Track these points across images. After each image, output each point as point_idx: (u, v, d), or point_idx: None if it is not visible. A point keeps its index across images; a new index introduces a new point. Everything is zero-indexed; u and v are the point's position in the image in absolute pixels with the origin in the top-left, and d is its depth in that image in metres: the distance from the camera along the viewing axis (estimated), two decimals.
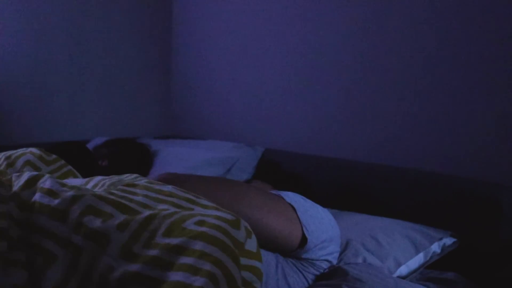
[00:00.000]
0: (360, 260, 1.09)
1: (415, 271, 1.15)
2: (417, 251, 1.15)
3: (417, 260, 1.16)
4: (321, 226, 0.96)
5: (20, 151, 0.94)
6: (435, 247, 1.18)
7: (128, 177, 0.80)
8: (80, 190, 0.68)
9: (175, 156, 1.79)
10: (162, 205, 0.69)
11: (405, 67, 1.52)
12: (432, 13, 1.45)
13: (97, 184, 0.77)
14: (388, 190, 1.40)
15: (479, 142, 1.37)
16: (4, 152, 0.96)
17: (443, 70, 1.44)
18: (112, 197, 0.67)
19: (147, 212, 0.66)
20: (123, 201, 0.67)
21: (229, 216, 0.67)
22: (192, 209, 0.69)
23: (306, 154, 1.72)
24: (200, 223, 0.64)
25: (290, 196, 0.98)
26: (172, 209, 0.68)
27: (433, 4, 1.45)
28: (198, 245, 0.60)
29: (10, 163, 0.90)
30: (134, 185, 0.74)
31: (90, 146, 1.79)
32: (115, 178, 0.79)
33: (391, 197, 1.39)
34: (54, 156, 0.94)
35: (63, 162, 0.94)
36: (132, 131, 2.20)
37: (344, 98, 1.69)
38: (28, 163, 0.89)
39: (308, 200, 1.02)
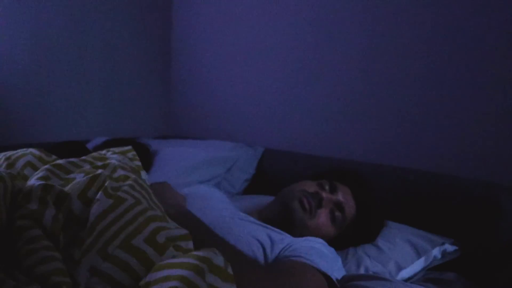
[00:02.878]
0: (362, 267, 1.09)
1: (416, 274, 1.15)
2: (419, 256, 1.15)
3: (418, 264, 1.16)
4: (332, 261, 0.96)
5: (20, 151, 0.94)
6: (436, 252, 1.18)
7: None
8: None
9: (175, 156, 1.79)
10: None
11: (405, 67, 1.52)
12: (433, 14, 1.45)
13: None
14: (387, 190, 1.40)
15: (479, 142, 1.37)
16: (4, 153, 0.96)
17: (443, 70, 1.44)
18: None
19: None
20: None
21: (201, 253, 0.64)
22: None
23: (306, 154, 1.72)
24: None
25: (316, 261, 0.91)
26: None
27: (433, 5, 1.45)
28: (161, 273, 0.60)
29: (10, 164, 0.90)
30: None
31: (90, 146, 1.79)
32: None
33: (391, 197, 1.39)
34: (54, 157, 0.95)
35: None
36: (132, 131, 2.20)
37: (344, 98, 1.69)
38: (28, 164, 0.89)
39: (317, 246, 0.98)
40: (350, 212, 1.14)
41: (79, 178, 0.79)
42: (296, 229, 1.08)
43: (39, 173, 0.77)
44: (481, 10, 1.36)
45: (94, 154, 0.97)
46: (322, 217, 1.10)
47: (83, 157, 0.89)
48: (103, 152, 0.99)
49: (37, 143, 1.70)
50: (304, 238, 1.02)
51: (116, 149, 1.00)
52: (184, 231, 0.72)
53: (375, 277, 0.98)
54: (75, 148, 1.59)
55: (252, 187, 1.78)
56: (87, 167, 0.85)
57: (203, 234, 0.87)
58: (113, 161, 0.84)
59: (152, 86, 2.33)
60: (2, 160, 0.93)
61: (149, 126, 2.32)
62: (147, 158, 1.80)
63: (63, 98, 2.00)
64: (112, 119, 2.17)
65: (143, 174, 0.93)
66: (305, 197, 1.09)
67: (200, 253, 0.62)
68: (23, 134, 1.88)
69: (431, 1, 1.46)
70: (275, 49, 1.91)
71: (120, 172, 0.81)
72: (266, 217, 1.14)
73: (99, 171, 0.80)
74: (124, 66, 2.19)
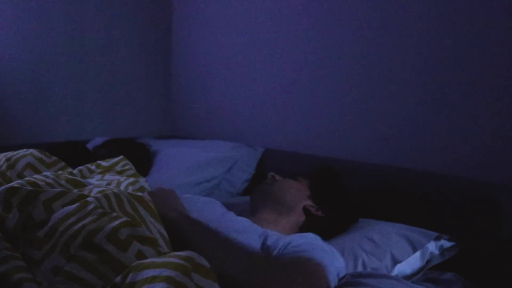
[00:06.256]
0: (359, 263, 1.09)
1: (417, 273, 1.16)
2: (414, 249, 1.15)
3: (415, 259, 1.16)
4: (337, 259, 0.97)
5: (20, 152, 0.94)
6: (432, 247, 1.18)
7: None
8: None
9: (175, 156, 1.79)
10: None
11: (405, 67, 1.52)
12: (433, 14, 1.45)
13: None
14: (387, 190, 1.40)
15: (479, 142, 1.37)
16: (5, 153, 0.96)
17: (443, 70, 1.44)
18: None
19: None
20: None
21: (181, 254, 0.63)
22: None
23: (306, 154, 1.72)
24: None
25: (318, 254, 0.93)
26: None
27: (434, 5, 1.45)
28: (145, 274, 0.58)
29: (11, 165, 0.90)
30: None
31: (90, 146, 1.80)
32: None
33: (391, 197, 1.39)
34: (54, 158, 0.95)
35: (63, 164, 0.95)
36: (132, 131, 2.21)
37: (344, 98, 1.69)
38: (28, 165, 0.90)
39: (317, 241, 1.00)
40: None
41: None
42: (275, 195, 1.23)
43: (13, 184, 0.77)
44: (482, 10, 1.36)
45: (82, 168, 0.97)
46: (282, 179, 1.28)
47: (63, 181, 0.87)
48: (93, 167, 0.99)
49: (37, 143, 1.70)
50: (300, 235, 1.04)
51: (106, 163, 1.00)
52: (151, 235, 0.71)
53: (378, 275, 0.98)
54: (75, 149, 1.59)
55: (252, 187, 1.78)
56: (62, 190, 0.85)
57: (206, 234, 0.87)
58: (90, 186, 0.84)
59: (152, 86, 2.33)
60: (2, 161, 0.93)
61: (149, 126, 2.33)
62: (147, 158, 1.80)
63: (63, 98, 2.00)
64: (112, 119, 2.17)
65: (141, 179, 0.94)
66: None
67: (181, 253, 0.62)
68: (23, 134, 1.88)
69: (432, 1, 1.46)
70: (275, 49, 1.91)
71: (95, 191, 0.81)
72: (258, 215, 1.21)
73: (75, 191, 0.80)
74: (124, 66, 2.19)
